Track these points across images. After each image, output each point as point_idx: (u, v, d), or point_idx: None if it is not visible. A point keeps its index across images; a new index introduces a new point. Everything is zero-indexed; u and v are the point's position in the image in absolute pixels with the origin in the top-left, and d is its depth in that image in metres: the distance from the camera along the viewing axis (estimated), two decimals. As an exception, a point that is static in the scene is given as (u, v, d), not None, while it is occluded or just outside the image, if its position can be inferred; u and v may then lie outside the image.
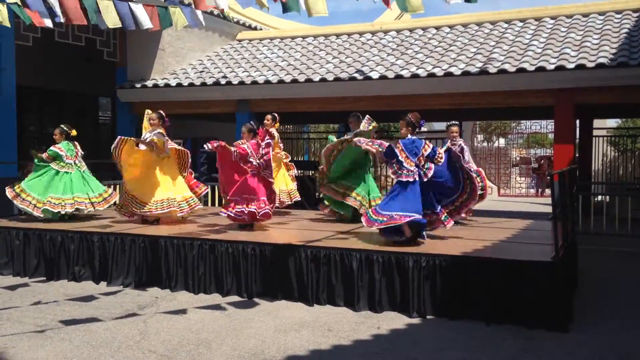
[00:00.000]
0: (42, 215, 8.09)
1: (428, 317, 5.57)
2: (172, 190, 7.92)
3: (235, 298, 6.34)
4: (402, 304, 5.69)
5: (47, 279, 7.31)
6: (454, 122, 7.68)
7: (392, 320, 5.51)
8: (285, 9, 7.18)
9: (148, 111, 8.31)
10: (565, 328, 5.11)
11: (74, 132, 8.54)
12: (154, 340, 4.98)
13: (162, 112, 8.23)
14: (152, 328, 5.30)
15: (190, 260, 6.62)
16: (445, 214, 6.38)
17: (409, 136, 6.31)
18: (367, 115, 7.86)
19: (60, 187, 8.14)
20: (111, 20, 7.95)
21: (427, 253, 5.71)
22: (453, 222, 6.49)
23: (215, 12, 7.72)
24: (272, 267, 6.24)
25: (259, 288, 6.31)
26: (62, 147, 8.37)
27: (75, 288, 6.87)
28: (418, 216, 6.01)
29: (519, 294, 5.28)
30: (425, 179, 6.18)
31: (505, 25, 12.29)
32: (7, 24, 7.61)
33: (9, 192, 8.17)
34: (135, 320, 5.57)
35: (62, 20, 7.55)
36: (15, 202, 8.16)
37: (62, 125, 8.63)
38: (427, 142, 6.41)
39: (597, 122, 15.59)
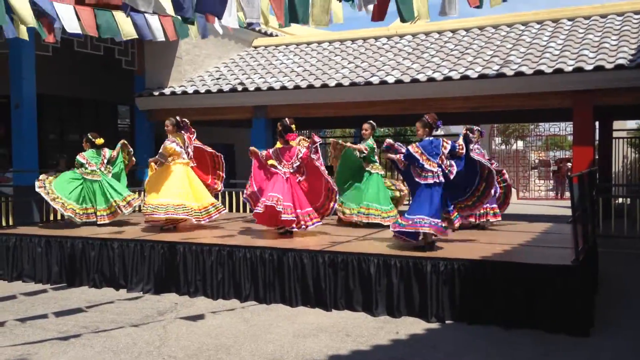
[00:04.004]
0: (68, 215, 8.37)
1: (447, 322, 5.54)
2: (185, 197, 7.92)
3: (254, 303, 6.36)
4: (421, 308, 5.67)
5: (68, 286, 7.40)
6: (472, 126, 7.62)
7: (411, 325, 5.49)
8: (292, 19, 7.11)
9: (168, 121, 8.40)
10: (586, 332, 5.05)
11: (98, 141, 8.68)
12: (173, 345, 5.02)
13: (177, 117, 8.30)
14: (171, 334, 5.34)
15: (208, 266, 6.66)
16: (456, 214, 6.24)
17: (426, 137, 6.29)
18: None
19: (86, 197, 8.43)
20: (126, 32, 8.06)
21: (445, 257, 5.68)
22: (460, 223, 6.33)
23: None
24: (289, 273, 6.25)
25: (277, 293, 6.33)
26: (85, 156, 8.60)
27: (96, 294, 6.95)
28: (439, 226, 6.03)
29: (539, 298, 5.23)
30: (452, 176, 6.09)
31: (522, 28, 12.21)
32: (26, 37, 7.75)
33: (37, 183, 8.34)
34: (155, 326, 5.61)
35: (79, 31, 7.66)
36: (42, 193, 8.28)
37: (88, 135, 8.80)
38: (444, 139, 6.37)
39: (616, 124, 15.43)
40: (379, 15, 6.90)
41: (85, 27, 7.73)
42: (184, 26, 8.53)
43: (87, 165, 8.51)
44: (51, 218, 9.80)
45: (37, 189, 8.27)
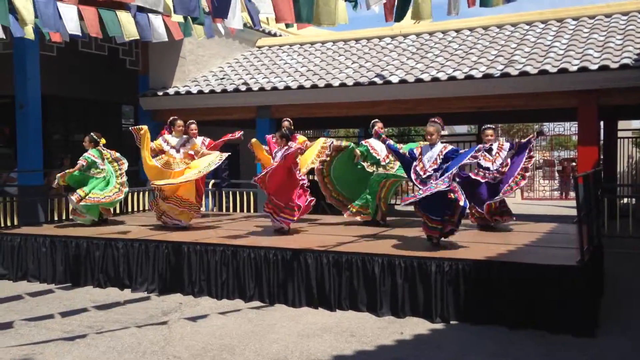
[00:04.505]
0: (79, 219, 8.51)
1: (451, 322, 5.53)
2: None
3: (258, 304, 6.36)
4: (425, 309, 5.66)
5: (73, 286, 7.41)
6: (488, 125, 7.66)
7: (415, 326, 5.48)
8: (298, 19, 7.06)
9: (142, 127, 8.34)
10: (591, 333, 5.04)
11: (103, 141, 8.72)
12: (178, 345, 5.02)
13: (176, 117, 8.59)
14: (176, 334, 5.35)
15: (213, 266, 6.66)
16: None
17: (439, 142, 6.33)
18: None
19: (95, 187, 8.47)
20: (129, 32, 8.05)
21: (449, 258, 5.67)
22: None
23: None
24: (294, 273, 6.25)
25: (281, 294, 6.33)
26: (94, 154, 8.58)
27: (100, 294, 6.97)
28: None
29: (543, 299, 5.22)
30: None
31: (527, 27, 12.18)
32: (32, 37, 7.76)
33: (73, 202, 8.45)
34: (159, 325, 5.62)
35: (79, 33, 7.65)
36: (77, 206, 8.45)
37: (92, 134, 8.79)
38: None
39: (621, 124, 15.38)
40: (390, 14, 6.86)
41: (89, 27, 7.73)
42: (187, 25, 8.53)
43: (99, 165, 8.52)
44: (56, 218, 9.83)
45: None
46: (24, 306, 6.51)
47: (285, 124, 8.56)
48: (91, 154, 8.57)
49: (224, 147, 8.87)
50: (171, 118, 8.61)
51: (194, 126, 8.72)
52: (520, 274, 5.35)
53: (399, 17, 6.85)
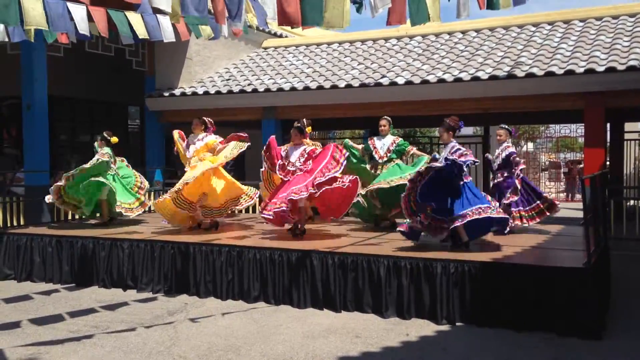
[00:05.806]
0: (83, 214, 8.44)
1: (457, 324, 5.52)
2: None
3: (263, 304, 6.36)
4: (431, 310, 5.65)
5: (78, 286, 7.43)
6: (502, 125, 7.59)
7: (421, 327, 5.47)
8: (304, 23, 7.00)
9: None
10: (598, 335, 5.01)
11: (113, 140, 8.63)
12: (184, 345, 5.03)
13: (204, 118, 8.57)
14: (182, 334, 5.36)
15: (218, 266, 6.67)
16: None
17: (452, 140, 6.31)
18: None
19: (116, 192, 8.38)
20: (139, 33, 8.06)
21: (455, 259, 5.66)
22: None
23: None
24: (299, 274, 6.25)
25: (287, 294, 6.33)
26: (109, 152, 8.53)
27: (106, 294, 6.98)
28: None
29: (550, 301, 5.20)
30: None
31: (533, 29, 12.15)
32: (32, 39, 7.77)
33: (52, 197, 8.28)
34: (165, 326, 5.63)
35: (87, 34, 7.66)
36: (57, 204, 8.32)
37: (103, 133, 8.74)
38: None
39: (628, 125, 15.31)
40: (396, 18, 6.81)
41: (98, 28, 7.74)
42: (195, 25, 8.53)
43: (111, 164, 8.51)
44: (62, 218, 9.86)
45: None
46: (30, 306, 6.53)
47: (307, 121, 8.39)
48: (107, 153, 8.45)
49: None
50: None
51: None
52: (527, 276, 5.33)
53: (415, 22, 6.82)
